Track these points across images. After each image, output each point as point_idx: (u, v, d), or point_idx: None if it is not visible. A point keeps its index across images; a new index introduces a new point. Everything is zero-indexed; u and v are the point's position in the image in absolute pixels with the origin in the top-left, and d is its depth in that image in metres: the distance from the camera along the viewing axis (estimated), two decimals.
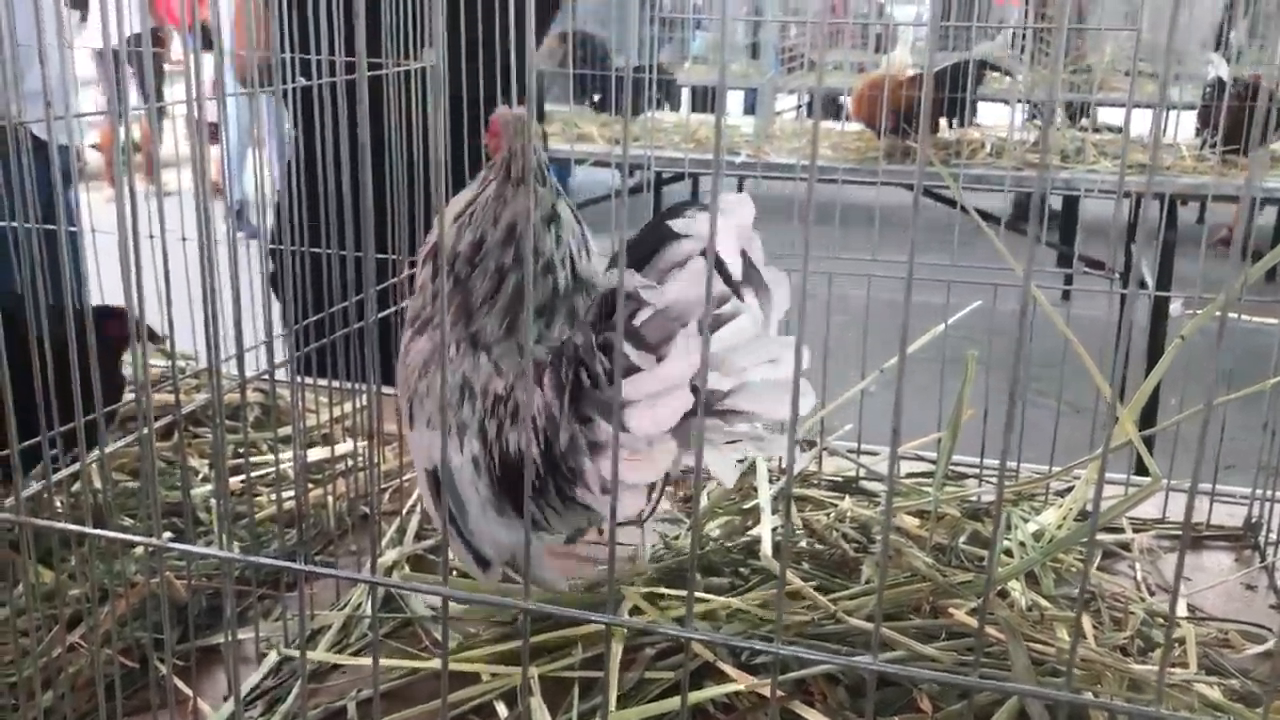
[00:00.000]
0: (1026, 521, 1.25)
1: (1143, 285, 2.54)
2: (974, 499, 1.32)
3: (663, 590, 1.07)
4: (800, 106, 4.93)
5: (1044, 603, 1.09)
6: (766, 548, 1.13)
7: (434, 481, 1.05)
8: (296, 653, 1.03)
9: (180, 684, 0.98)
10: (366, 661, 1.03)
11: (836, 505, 1.29)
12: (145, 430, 0.79)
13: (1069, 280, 1.81)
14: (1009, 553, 1.18)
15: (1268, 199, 3.78)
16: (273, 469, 1.30)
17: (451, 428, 1.02)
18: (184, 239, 1.07)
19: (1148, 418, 3.76)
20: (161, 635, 0.94)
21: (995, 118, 4.65)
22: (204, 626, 1.07)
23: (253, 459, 1.36)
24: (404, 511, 1.29)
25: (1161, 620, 1.09)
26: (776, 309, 0.91)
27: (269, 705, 0.98)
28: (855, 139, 4.11)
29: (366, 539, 1.25)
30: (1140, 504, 1.12)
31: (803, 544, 1.21)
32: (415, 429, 1.07)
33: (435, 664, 1.02)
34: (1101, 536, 1.29)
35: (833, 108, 4.69)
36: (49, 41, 0.85)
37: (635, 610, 1.07)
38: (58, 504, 0.95)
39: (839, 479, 1.39)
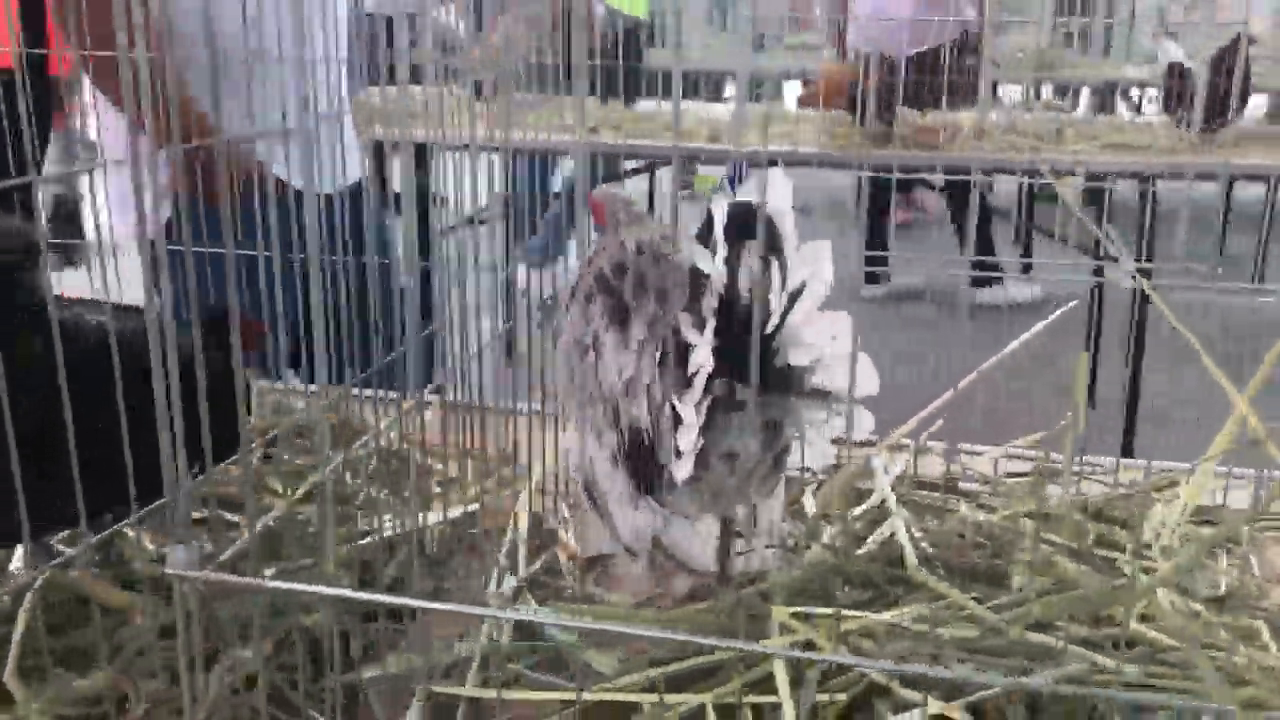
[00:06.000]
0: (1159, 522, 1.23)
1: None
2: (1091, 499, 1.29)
3: (819, 610, 1.03)
4: None
5: (1197, 607, 1.06)
6: (911, 558, 1.10)
7: (583, 483, 1.05)
8: (445, 687, 0.97)
9: None
10: (518, 695, 0.97)
11: (953, 510, 1.26)
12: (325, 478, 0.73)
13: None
14: (1142, 554, 1.16)
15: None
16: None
17: (595, 427, 1.02)
18: None
19: (1131, 393, 3.82)
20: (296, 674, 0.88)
21: None
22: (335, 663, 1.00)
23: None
24: (509, 534, 1.23)
25: None
26: (823, 284, 0.92)
27: None
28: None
29: (473, 564, 1.19)
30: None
31: (929, 549, 1.18)
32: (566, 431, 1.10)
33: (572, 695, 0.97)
34: (1210, 531, 1.26)
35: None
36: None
37: (784, 629, 1.02)
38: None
39: (936, 481, 1.36)
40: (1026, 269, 5.74)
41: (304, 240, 0.76)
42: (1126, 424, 3.80)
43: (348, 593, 0.65)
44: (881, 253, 4.72)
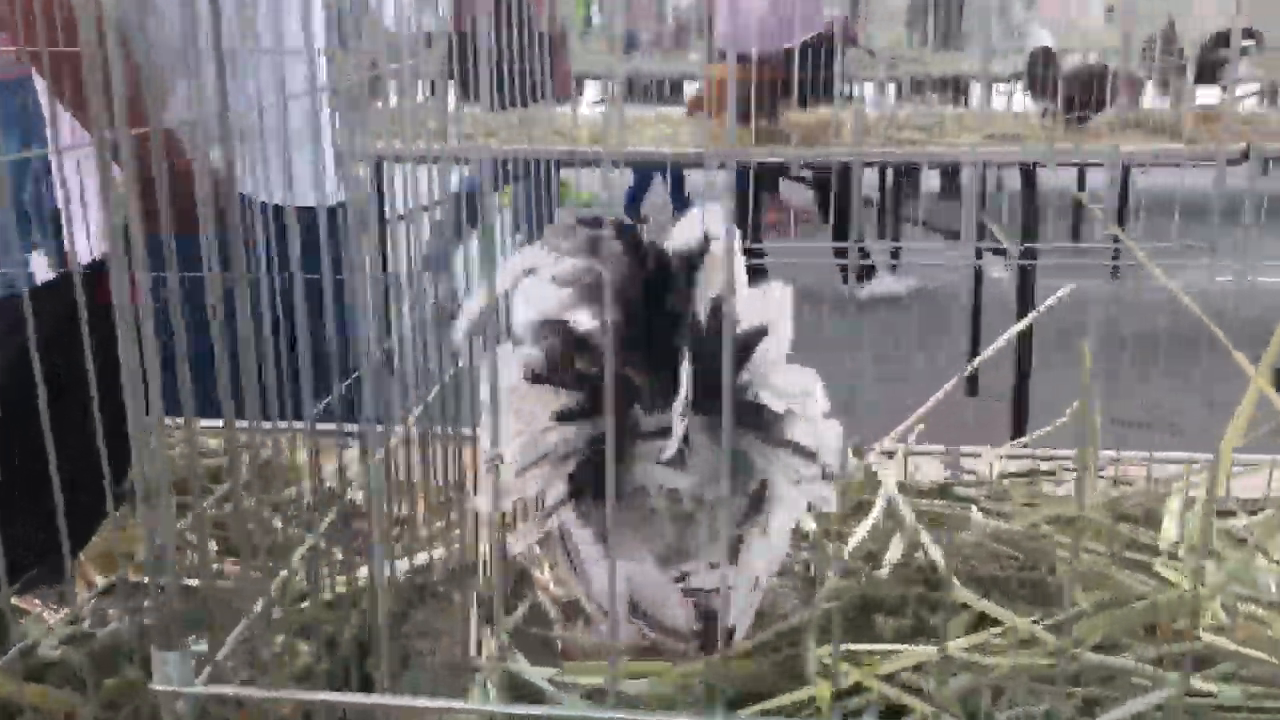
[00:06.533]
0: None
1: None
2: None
3: (867, 646, 0.90)
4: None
5: (1260, 611, 0.98)
6: (950, 576, 0.98)
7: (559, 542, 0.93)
8: None
9: None
10: None
11: (962, 518, 1.15)
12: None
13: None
14: (1175, 555, 1.07)
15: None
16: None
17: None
18: None
19: (1020, 385, 3.84)
20: None
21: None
22: None
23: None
24: (480, 579, 1.07)
25: None
26: (786, 331, 0.82)
27: None
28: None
29: (437, 618, 1.03)
30: None
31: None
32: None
33: None
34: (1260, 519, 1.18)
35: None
36: None
37: (825, 672, 0.90)
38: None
39: (928, 486, 1.26)
40: (895, 254, 5.78)
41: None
42: (1015, 414, 3.83)
43: (391, 699, 0.49)
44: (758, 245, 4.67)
